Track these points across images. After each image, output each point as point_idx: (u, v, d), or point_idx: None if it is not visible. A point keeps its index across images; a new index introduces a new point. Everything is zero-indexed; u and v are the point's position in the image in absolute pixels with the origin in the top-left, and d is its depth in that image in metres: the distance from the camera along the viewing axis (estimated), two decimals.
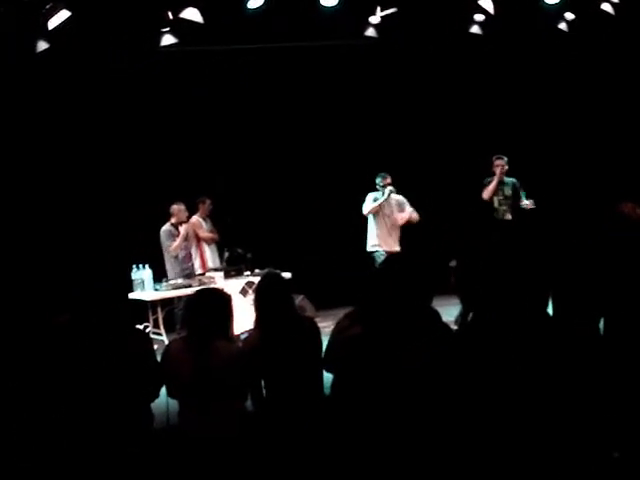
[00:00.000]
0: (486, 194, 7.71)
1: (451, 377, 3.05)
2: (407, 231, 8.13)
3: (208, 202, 8.45)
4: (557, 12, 8.11)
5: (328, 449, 3.33)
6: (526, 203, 7.67)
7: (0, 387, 3.39)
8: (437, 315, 3.54)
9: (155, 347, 3.88)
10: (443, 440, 3.02)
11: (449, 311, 4.26)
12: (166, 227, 7.98)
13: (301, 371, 3.61)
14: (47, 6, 6.24)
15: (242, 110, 9.19)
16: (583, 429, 2.96)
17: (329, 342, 3.60)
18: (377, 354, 3.24)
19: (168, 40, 7.03)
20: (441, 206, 9.31)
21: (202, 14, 6.70)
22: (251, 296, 6.80)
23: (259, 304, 3.77)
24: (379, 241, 8.00)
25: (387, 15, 7.82)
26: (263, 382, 3.65)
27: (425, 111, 9.78)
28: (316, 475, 3.36)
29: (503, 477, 2.89)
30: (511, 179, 7.81)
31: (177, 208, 7.98)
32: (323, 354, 3.64)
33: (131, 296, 7.49)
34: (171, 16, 6.77)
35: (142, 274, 7.68)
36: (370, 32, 7.95)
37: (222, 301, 3.65)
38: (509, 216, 7.72)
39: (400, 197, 8.06)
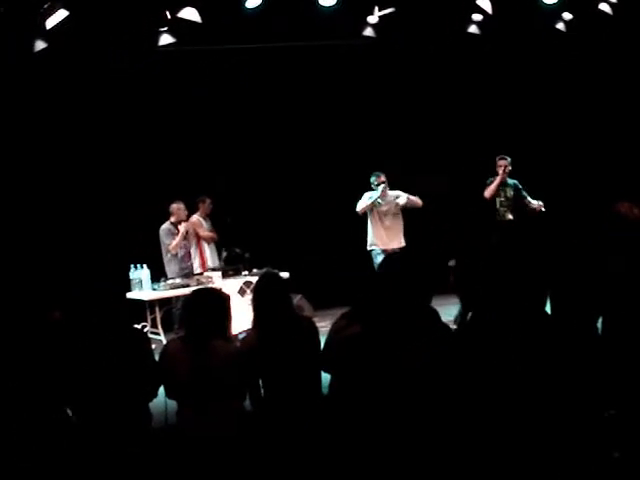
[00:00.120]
0: (487, 193, 7.74)
1: (450, 377, 3.05)
2: (407, 231, 8.14)
3: (208, 201, 8.44)
4: (555, 12, 8.12)
5: (326, 449, 3.33)
6: (538, 204, 7.72)
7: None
8: (436, 314, 3.55)
9: (153, 347, 3.88)
10: (442, 439, 3.02)
11: (448, 310, 4.26)
12: (165, 226, 7.99)
13: (299, 371, 3.61)
14: (45, 6, 6.23)
15: (241, 110, 9.18)
16: (583, 428, 2.96)
17: (326, 342, 3.61)
18: (376, 354, 3.24)
19: (166, 40, 7.02)
20: (441, 206, 9.32)
21: (200, 14, 6.69)
22: (249, 296, 6.79)
23: (257, 304, 3.77)
24: (375, 240, 8.04)
25: (385, 15, 7.82)
26: (261, 382, 3.65)
27: (423, 111, 9.78)
28: (314, 475, 3.36)
29: (503, 477, 2.89)
30: (513, 180, 7.85)
31: (177, 207, 7.98)
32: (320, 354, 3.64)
33: (129, 296, 7.48)
34: (169, 15, 6.76)
35: (140, 274, 7.67)
36: (368, 32, 7.95)
37: (220, 301, 3.65)
38: (510, 216, 7.76)
39: (395, 191, 8.07)
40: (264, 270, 7.14)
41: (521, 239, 7.46)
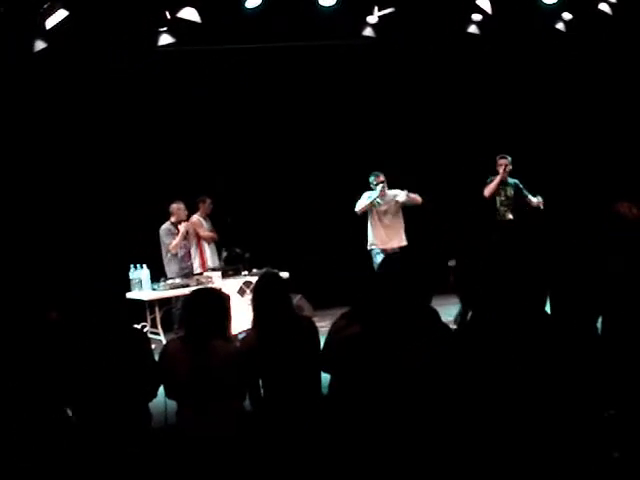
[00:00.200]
0: (487, 191, 7.75)
1: (450, 376, 3.04)
2: (408, 231, 8.14)
3: (208, 201, 8.44)
4: (555, 12, 8.12)
5: (326, 449, 3.33)
6: (538, 201, 7.73)
7: None
8: (436, 314, 3.55)
9: (153, 347, 3.88)
10: (442, 439, 3.02)
11: (448, 310, 4.27)
12: (166, 225, 7.99)
13: (299, 371, 3.61)
14: (45, 6, 6.23)
15: (241, 110, 9.18)
16: (583, 428, 2.96)
17: (326, 342, 3.61)
18: (375, 354, 3.24)
19: (166, 40, 7.01)
20: (441, 206, 9.32)
21: (200, 14, 6.69)
22: (249, 296, 6.79)
23: (257, 304, 3.77)
24: (375, 239, 8.05)
25: (385, 15, 7.83)
26: (261, 382, 3.65)
27: (423, 111, 9.78)
28: (314, 475, 3.35)
29: (503, 477, 2.89)
30: (513, 180, 7.85)
31: (177, 207, 7.99)
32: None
33: (129, 296, 7.48)
34: (169, 15, 6.76)
35: (140, 274, 7.68)
36: (368, 32, 7.95)
37: (220, 301, 3.65)
38: (510, 216, 7.76)
39: (394, 190, 8.07)
40: (264, 270, 7.14)
41: (521, 239, 7.46)
